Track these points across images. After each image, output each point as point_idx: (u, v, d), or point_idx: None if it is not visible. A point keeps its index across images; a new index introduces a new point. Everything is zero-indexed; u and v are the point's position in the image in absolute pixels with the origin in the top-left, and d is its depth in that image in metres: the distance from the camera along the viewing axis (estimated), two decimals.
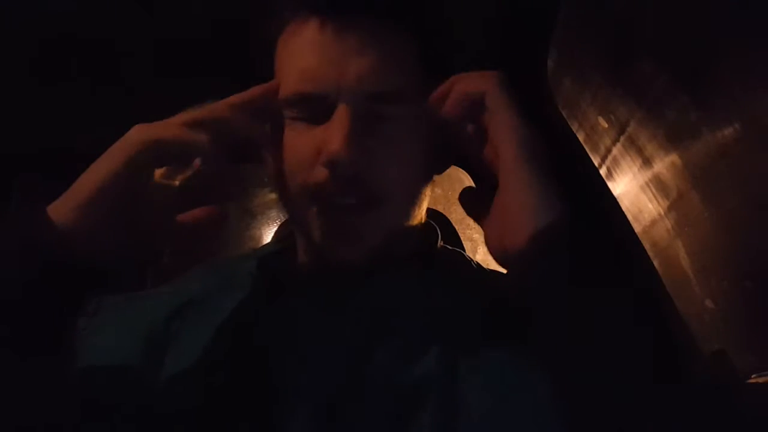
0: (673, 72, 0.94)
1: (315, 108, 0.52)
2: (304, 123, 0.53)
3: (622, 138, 1.12)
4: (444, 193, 1.71)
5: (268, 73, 0.56)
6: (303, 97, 0.52)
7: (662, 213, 1.08)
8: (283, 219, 1.66)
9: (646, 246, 0.81)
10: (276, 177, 0.56)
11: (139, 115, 0.48)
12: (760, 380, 0.78)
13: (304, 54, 0.52)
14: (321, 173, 0.50)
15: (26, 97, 0.96)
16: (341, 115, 0.49)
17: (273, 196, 2.08)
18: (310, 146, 0.51)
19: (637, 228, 0.97)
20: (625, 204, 1.01)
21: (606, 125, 1.14)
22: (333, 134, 0.49)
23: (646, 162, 1.09)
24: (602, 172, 1.16)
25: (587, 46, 1.08)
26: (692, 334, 0.75)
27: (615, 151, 1.15)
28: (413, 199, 0.57)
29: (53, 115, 1.00)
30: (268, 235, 2.05)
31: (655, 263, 0.80)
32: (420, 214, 0.61)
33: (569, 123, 0.93)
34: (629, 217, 0.83)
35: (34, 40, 0.84)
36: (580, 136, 1.07)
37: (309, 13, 0.53)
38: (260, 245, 2.17)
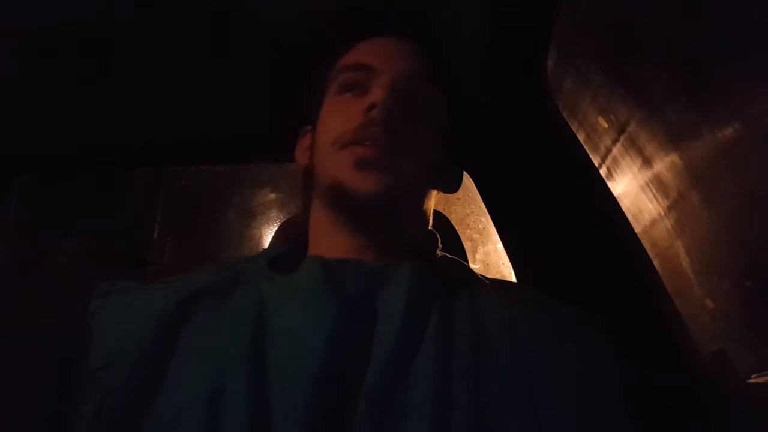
0: (673, 72, 0.94)
1: (362, 78, 0.62)
2: (348, 98, 0.62)
3: (622, 138, 1.12)
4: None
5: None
6: (357, 65, 0.63)
7: (662, 213, 1.08)
8: (283, 219, 1.66)
9: (646, 246, 0.81)
10: (312, 158, 0.64)
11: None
12: (760, 380, 0.79)
13: (360, 48, 0.66)
14: (358, 120, 0.58)
15: (28, 98, 0.96)
16: (384, 80, 0.60)
17: (273, 196, 2.09)
18: (352, 108, 0.59)
19: (637, 228, 0.97)
20: (625, 204, 1.01)
21: (606, 125, 1.14)
22: (375, 91, 0.59)
23: (646, 162, 1.09)
24: (602, 172, 1.16)
25: (587, 46, 1.08)
26: (692, 334, 0.75)
27: (615, 151, 1.16)
28: (427, 168, 0.62)
29: (60, 116, 1.01)
30: (268, 235, 2.06)
31: (655, 263, 0.80)
32: (428, 210, 0.66)
33: (569, 123, 0.93)
34: (629, 217, 0.83)
35: (31, 43, 0.84)
36: (580, 136, 1.07)
37: (371, 36, 0.66)
38: (260, 245, 2.17)
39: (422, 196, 0.63)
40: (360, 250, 0.58)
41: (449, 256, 0.66)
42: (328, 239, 0.60)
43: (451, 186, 0.70)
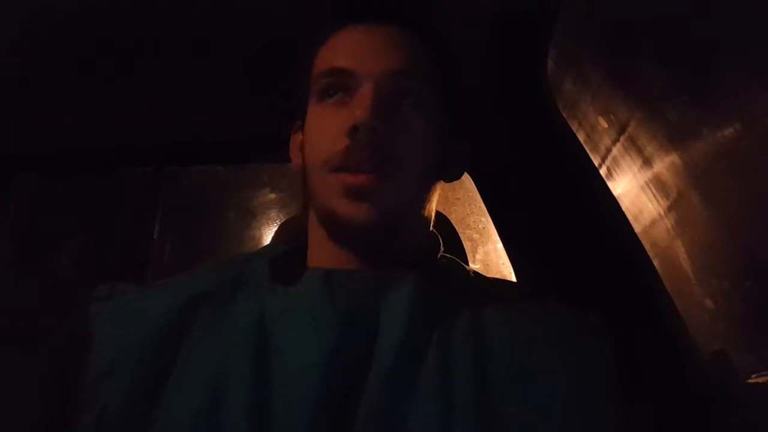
0: (673, 72, 0.94)
1: (342, 84, 0.57)
2: (330, 106, 0.57)
3: (622, 138, 1.12)
4: (444, 193, 1.71)
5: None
6: (333, 70, 0.57)
7: (662, 213, 1.08)
8: (283, 219, 1.66)
9: (646, 246, 0.81)
10: (305, 162, 0.60)
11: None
12: (760, 380, 0.79)
13: (338, 44, 0.60)
14: (343, 143, 0.54)
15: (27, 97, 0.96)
16: (365, 90, 0.55)
17: (273, 195, 2.09)
18: (336, 125, 0.55)
19: (637, 228, 0.97)
20: (625, 204, 1.01)
21: (606, 125, 1.14)
22: (357, 106, 0.54)
23: (646, 162, 1.09)
24: (602, 172, 1.16)
25: (587, 46, 1.08)
26: (692, 334, 0.75)
27: (615, 151, 1.16)
28: (424, 177, 0.60)
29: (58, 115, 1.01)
30: (268, 235, 2.05)
31: (655, 263, 0.80)
32: (429, 213, 0.63)
33: (569, 123, 0.93)
34: (629, 217, 0.83)
35: (32, 42, 0.84)
36: (580, 136, 1.07)
37: (346, 23, 0.60)
38: (260, 245, 2.16)
39: (423, 205, 0.61)
40: (360, 262, 0.57)
41: (450, 257, 0.66)
42: (327, 250, 0.59)
43: (457, 172, 0.67)
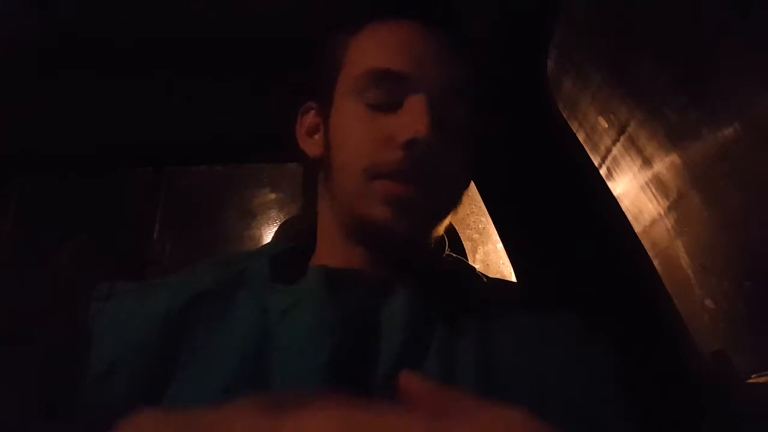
0: (673, 72, 0.94)
1: (391, 87, 0.54)
2: (370, 110, 0.55)
3: (622, 138, 1.12)
4: None
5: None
6: (384, 72, 0.54)
7: (662, 213, 1.08)
8: (283, 219, 1.66)
9: (646, 246, 0.81)
10: (331, 159, 0.57)
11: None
12: (760, 380, 0.78)
13: (386, 42, 0.56)
14: (396, 153, 0.52)
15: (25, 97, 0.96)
16: (420, 103, 0.52)
17: (273, 196, 2.09)
18: (382, 131, 0.53)
19: (637, 228, 0.97)
20: (625, 204, 1.01)
21: (606, 125, 1.14)
22: (413, 119, 0.51)
23: (646, 162, 1.09)
24: (602, 172, 1.16)
25: (587, 46, 1.08)
26: (692, 334, 0.75)
27: (615, 151, 1.15)
28: (458, 194, 0.60)
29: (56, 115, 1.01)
30: (268, 235, 2.05)
31: (655, 263, 0.80)
32: (448, 220, 0.63)
33: (569, 123, 0.93)
34: (629, 217, 0.83)
35: (31, 42, 0.84)
36: (580, 136, 1.07)
37: (390, 17, 0.58)
38: (260, 245, 2.15)
39: (454, 202, 0.60)
40: (370, 263, 0.56)
41: (455, 256, 0.66)
42: (338, 249, 0.58)
43: (469, 182, 0.66)
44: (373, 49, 0.57)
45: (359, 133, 0.55)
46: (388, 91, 0.54)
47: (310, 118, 0.63)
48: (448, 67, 0.56)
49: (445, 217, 0.58)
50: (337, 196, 0.57)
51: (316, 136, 0.61)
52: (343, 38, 0.59)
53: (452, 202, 0.58)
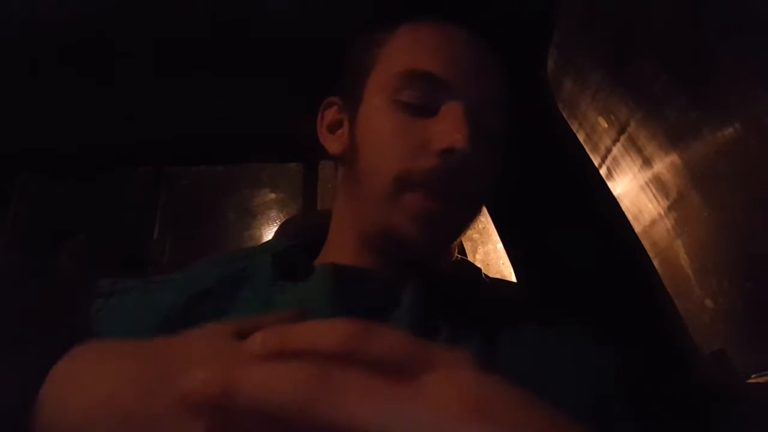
0: (673, 72, 0.94)
1: (428, 91, 0.52)
2: (404, 112, 0.53)
3: (622, 138, 1.12)
4: None
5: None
6: (424, 75, 0.52)
7: (662, 213, 1.08)
8: (283, 219, 1.66)
9: (646, 246, 0.81)
10: (358, 158, 0.55)
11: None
12: (760, 380, 0.78)
13: (426, 44, 0.54)
14: (431, 161, 0.50)
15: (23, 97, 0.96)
16: (459, 111, 0.51)
17: (273, 196, 2.09)
18: (417, 136, 0.51)
19: (637, 228, 0.97)
20: (625, 204, 1.01)
21: (606, 125, 1.14)
22: (452, 127, 0.50)
23: (646, 162, 1.09)
24: (602, 172, 1.16)
25: (587, 46, 1.08)
26: (692, 334, 0.75)
27: (615, 151, 1.15)
28: (481, 207, 0.59)
29: (51, 114, 1.00)
30: (268, 235, 2.05)
31: (655, 263, 0.80)
32: None
33: (569, 123, 0.93)
34: (629, 217, 0.83)
35: (31, 42, 0.84)
36: (580, 136, 1.07)
37: (429, 18, 0.56)
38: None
39: (478, 215, 0.60)
40: (379, 265, 0.56)
41: (461, 257, 0.66)
42: (349, 248, 0.58)
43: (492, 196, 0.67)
44: (414, 49, 0.55)
45: (392, 135, 0.52)
46: (424, 94, 0.52)
47: (332, 114, 0.61)
48: (489, 79, 0.54)
49: (467, 229, 0.58)
50: (361, 198, 0.56)
51: (339, 132, 0.60)
52: (378, 35, 0.57)
53: (476, 215, 0.58)
